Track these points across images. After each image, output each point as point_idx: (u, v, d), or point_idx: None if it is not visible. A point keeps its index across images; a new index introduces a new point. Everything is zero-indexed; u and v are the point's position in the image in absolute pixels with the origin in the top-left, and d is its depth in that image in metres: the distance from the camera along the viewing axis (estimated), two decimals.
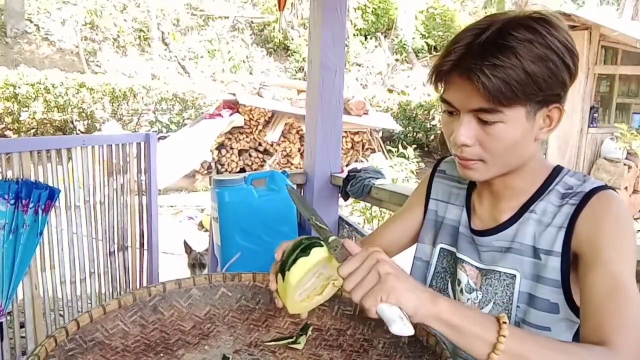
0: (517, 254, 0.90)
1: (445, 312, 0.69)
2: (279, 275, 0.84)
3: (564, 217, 0.86)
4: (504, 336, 0.67)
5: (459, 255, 0.98)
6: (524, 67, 0.76)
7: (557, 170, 0.92)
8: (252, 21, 14.16)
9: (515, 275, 0.90)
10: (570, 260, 0.85)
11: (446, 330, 0.70)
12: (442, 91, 0.86)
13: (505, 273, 0.91)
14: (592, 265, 0.79)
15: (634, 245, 0.82)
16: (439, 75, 0.83)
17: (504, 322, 0.68)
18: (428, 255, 1.06)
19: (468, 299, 0.96)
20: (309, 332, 0.92)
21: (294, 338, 0.90)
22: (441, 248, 1.03)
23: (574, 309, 0.86)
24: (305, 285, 0.84)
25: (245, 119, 7.61)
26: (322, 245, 0.81)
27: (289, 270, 0.81)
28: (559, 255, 0.85)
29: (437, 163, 1.12)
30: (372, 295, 0.69)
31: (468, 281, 0.96)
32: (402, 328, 0.68)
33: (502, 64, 0.76)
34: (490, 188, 0.95)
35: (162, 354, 0.85)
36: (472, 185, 1.02)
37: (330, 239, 0.80)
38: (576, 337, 0.88)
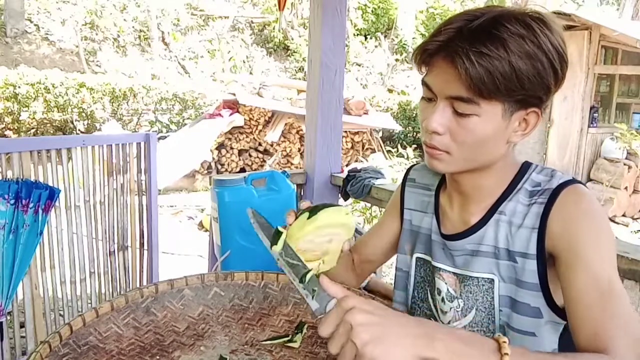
0: (492, 257, 0.88)
1: (439, 355, 0.62)
2: (304, 214, 0.82)
3: (535, 217, 0.84)
4: None
5: (435, 263, 0.97)
6: (510, 60, 0.75)
7: (524, 168, 0.90)
8: (252, 21, 14.15)
9: (493, 280, 0.88)
10: (547, 262, 0.84)
11: None
12: (424, 73, 0.84)
13: (483, 278, 0.89)
14: (573, 267, 0.78)
15: (610, 238, 0.80)
16: (425, 53, 0.81)
17: (506, 354, 0.62)
18: (407, 266, 1.04)
19: (450, 308, 0.94)
20: (305, 330, 0.92)
21: (290, 337, 0.90)
22: (417, 257, 1.02)
23: (556, 310, 0.85)
24: (317, 239, 0.83)
25: (245, 119, 7.61)
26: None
27: (323, 210, 0.81)
28: (535, 258, 0.84)
29: (407, 171, 1.11)
30: None
31: (448, 289, 0.95)
32: None
33: (489, 53, 0.74)
34: (458, 189, 0.93)
35: (157, 356, 0.85)
36: (439, 191, 1.01)
37: (307, 276, 0.71)
38: (561, 339, 0.87)
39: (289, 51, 13.74)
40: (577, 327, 0.76)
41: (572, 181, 0.85)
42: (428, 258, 0.99)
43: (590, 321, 0.74)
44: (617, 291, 0.75)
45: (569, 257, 0.79)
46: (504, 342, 0.63)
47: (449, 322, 0.95)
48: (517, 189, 0.88)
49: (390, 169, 5.76)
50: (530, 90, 0.78)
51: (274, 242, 0.78)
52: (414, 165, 1.12)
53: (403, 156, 6.44)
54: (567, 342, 0.84)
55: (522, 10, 0.79)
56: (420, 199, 1.05)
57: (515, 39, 0.75)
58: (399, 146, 7.52)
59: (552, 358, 0.70)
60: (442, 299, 0.96)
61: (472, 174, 0.89)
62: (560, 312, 0.85)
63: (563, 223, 0.81)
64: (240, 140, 7.74)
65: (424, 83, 0.84)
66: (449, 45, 0.77)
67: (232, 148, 7.70)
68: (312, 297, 0.68)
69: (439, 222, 0.98)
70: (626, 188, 6.94)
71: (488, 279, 0.89)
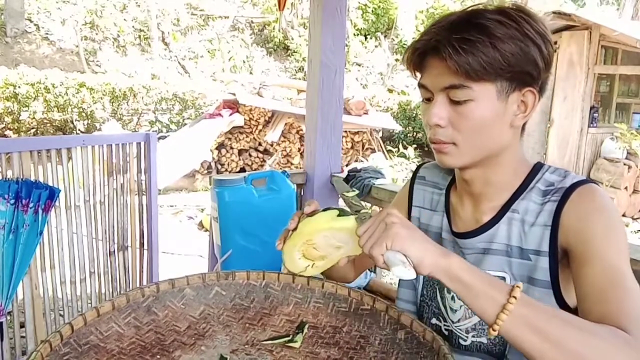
0: (504, 255, 0.89)
1: (455, 267, 0.70)
2: (333, 210, 0.87)
3: (548, 215, 0.85)
4: (515, 297, 0.67)
5: None
6: (492, 42, 0.78)
7: (537, 168, 0.91)
8: (252, 21, 14.15)
9: (504, 278, 0.88)
10: (559, 259, 0.84)
11: (455, 286, 0.70)
12: (419, 77, 0.88)
13: (494, 276, 0.89)
14: (586, 260, 0.78)
15: (623, 234, 0.81)
16: (414, 54, 0.85)
17: (518, 287, 0.68)
18: None
19: (460, 306, 0.95)
20: (305, 330, 0.92)
21: (291, 336, 0.90)
22: None
23: (566, 309, 0.85)
24: (332, 240, 0.87)
25: (245, 119, 7.61)
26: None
27: (352, 215, 0.86)
28: (547, 255, 0.84)
29: (417, 169, 1.12)
30: (378, 243, 0.73)
31: None
32: (402, 271, 0.70)
33: (471, 38, 0.78)
34: (469, 190, 0.93)
35: (158, 356, 0.85)
36: (450, 189, 1.02)
37: (362, 211, 0.86)
38: None
39: (289, 51, 13.74)
40: (589, 311, 0.75)
41: (586, 181, 0.85)
42: None
43: (601, 304, 0.74)
44: (630, 281, 0.75)
45: (582, 250, 0.79)
46: (518, 286, 0.69)
47: (458, 320, 0.96)
48: (530, 188, 0.89)
49: (390, 169, 5.76)
50: (517, 66, 0.80)
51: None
52: (424, 163, 1.12)
53: (404, 156, 6.44)
54: None
55: (499, 5, 0.83)
56: (429, 197, 1.05)
57: (494, 24, 0.79)
58: (399, 146, 7.52)
59: (562, 313, 0.70)
60: (452, 297, 0.96)
61: (482, 168, 0.89)
62: (570, 311, 0.85)
63: (577, 218, 0.82)
64: (240, 140, 7.74)
65: (420, 85, 0.88)
66: (433, 40, 0.81)
67: (232, 148, 7.70)
68: (362, 220, 0.82)
69: (450, 221, 0.98)
70: (626, 188, 6.94)
71: (499, 277, 0.89)
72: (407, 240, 0.72)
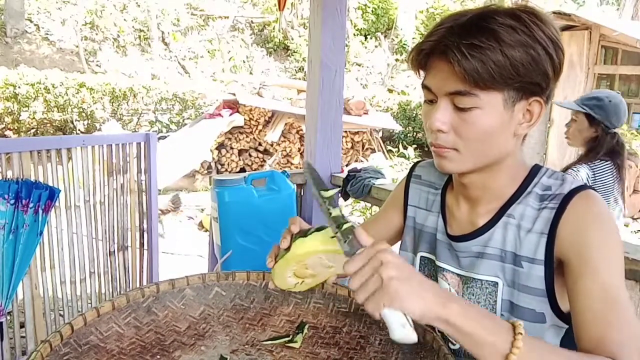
0: (498, 260, 0.88)
1: (455, 316, 0.65)
2: (328, 231, 0.80)
3: (545, 222, 0.83)
4: (518, 348, 0.64)
5: (439, 263, 0.96)
6: (503, 49, 0.75)
7: (534, 171, 0.89)
8: (252, 21, 14.16)
9: (497, 283, 0.87)
10: (555, 267, 0.83)
11: (457, 335, 0.67)
12: (423, 78, 0.85)
13: (487, 281, 0.88)
14: (580, 274, 0.77)
15: (619, 246, 0.80)
16: (420, 55, 0.82)
17: (520, 333, 0.65)
18: (410, 264, 1.02)
19: None
20: (305, 331, 0.92)
21: (291, 337, 0.90)
22: (421, 256, 1.01)
23: (560, 315, 0.85)
24: (325, 260, 0.83)
25: (245, 119, 7.61)
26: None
27: (306, 236, 0.81)
28: (542, 264, 0.83)
29: (412, 168, 1.10)
30: (374, 300, 0.65)
31: (450, 290, 0.93)
32: (403, 335, 0.65)
33: (481, 44, 0.74)
34: (467, 193, 0.92)
35: (158, 356, 0.85)
36: (446, 189, 1.00)
37: (344, 226, 0.75)
38: (563, 342, 0.87)
39: (289, 51, 13.74)
40: (582, 332, 0.75)
41: (584, 187, 0.84)
42: (432, 257, 0.99)
43: (595, 327, 0.73)
44: (623, 300, 0.75)
45: (578, 263, 0.78)
46: (520, 324, 0.67)
47: None
48: (527, 192, 0.87)
49: (390, 169, 5.76)
50: (526, 77, 0.78)
51: (324, 189, 0.84)
52: (420, 161, 1.10)
53: (404, 156, 6.45)
54: (567, 344, 0.83)
55: (509, 6, 0.80)
56: (425, 196, 1.04)
57: (505, 29, 0.76)
58: (399, 146, 7.52)
59: (563, 352, 0.70)
60: None
61: (482, 173, 0.87)
62: (564, 316, 0.85)
63: (574, 229, 0.80)
64: (240, 140, 7.74)
65: (424, 86, 0.85)
66: (441, 43, 0.78)
67: (232, 148, 7.70)
68: (345, 242, 0.74)
69: (445, 222, 0.97)
70: (626, 188, 6.94)
71: (492, 282, 0.88)
72: (407, 298, 0.65)
